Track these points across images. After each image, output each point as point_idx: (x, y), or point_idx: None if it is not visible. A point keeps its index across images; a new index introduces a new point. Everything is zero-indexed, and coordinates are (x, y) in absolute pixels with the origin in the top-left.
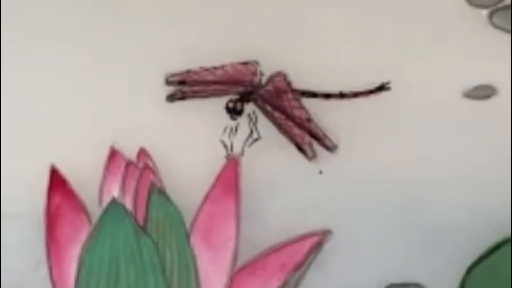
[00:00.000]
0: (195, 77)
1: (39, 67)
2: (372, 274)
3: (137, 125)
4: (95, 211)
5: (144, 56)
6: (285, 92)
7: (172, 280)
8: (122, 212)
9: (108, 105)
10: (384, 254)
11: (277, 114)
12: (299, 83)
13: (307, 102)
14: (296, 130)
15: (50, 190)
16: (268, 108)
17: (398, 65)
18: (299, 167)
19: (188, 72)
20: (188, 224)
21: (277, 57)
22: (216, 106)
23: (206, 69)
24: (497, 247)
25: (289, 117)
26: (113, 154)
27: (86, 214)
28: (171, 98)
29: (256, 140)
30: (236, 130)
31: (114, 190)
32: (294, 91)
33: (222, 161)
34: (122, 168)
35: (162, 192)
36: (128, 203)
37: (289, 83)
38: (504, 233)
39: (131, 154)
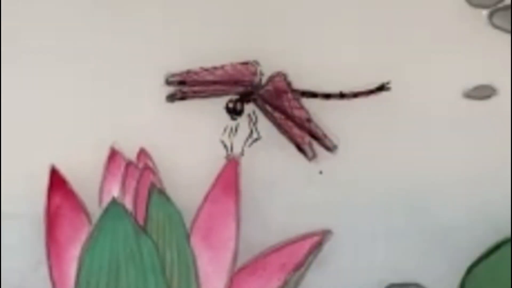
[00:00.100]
0: (195, 77)
1: (39, 67)
2: (372, 274)
3: (137, 125)
4: (95, 211)
5: (144, 56)
6: (285, 92)
7: (172, 280)
8: (122, 212)
9: (108, 105)
10: (384, 254)
11: (277, 114)
12: (299, 83)
13: (307, 102)
14: (296, 130)
15: (50, 190)
16: (268, 108)
17: (398, 65)
18: (299, 167)
19: (188, 72)
20: (188, 224)
21: (277, 57)
22: (216, 106)
23: (206, 69)
24: (497, 247)
25: (289, 117)
26: (113, 154)
27: (86, 214)
28: (171, 98)
29: (256, 140)
30: (236, 130)
31: (114, 190)
32: (294, 91)
33: (222, 161)
34: (122, 168)
35: (162, 192)
36: (128, 203)
37: (289, 83)
38: (504, 233)
39: (131, 154)
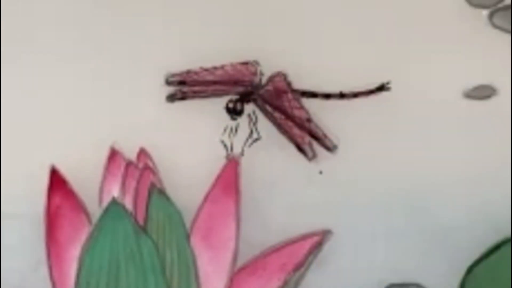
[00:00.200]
0: (195, 77)
1: (39, 67)
2: (372, 274)
3: (137, 125)
4: (95, 211)
5: (144, 56)
6: (285, 92)
7: (172, 280)
8: (122, 212)
9: (108, 105)
10: (384, 254)
11: (277, 114)
12: (299, 83)
13: (307, 102)
14: (296, 130)
15: (50, 190)
16: (268, 108)
17: (398, 65)
18: (299, 167)
19: (188, 72)
20: (188, 224)
21: (277, 57)
22: (216, 106)
23: (206, 69)
24: (497, 247)
25: (289, 117)
26: (113, 154)
27: (86, 214)
28: (171, 98)
29: (256, 140)
30: (236, 130)
31: (114, 190)
32: (294, 91)
33: (222, 161)
34: (122, 168)
35: (162, 192)
36: (128, 203)
37: (289, 83)
38: (504, 233)
39: (131, 154)
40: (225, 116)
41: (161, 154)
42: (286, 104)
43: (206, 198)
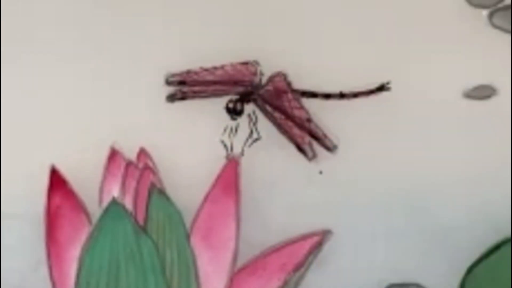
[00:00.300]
0: (195, 77)
1: (39, 67)
2: (372, 274)
3: (137, 125)
4: (95, 211)
5: (144, 56)
6: (285, 92)
7: (172, 280)
8: (122, 212)
9: (108, 105)
10: (384, 254)
11: (277, 114)
12: (299, 83)
13: (307, 102)
14: (296, 130)
15: (50, 190)
16: (268, 108)
17: (398, 65)
18: (299, 167)
19: (188, 72)
20: (188, 224)
21: (277, 57)
22: (216, 106)
23: (206, 69)
24: (497, 247)
25: (289, 117)
26: (113, 154)
27: (86, 214)
28: (171, 98)
29: (256, 140)
30: (236, 130)
31: (114, 190)
32: (294, 91)
33: (222, 161)
34: (122, 168)
35: (162, 192)
36: (128, 203)
37: (289, 83)
38: (504, 233)
39: (131, 154)
40: (225, 116)
41: (161, 154)
42: (286, 104)
43: (206, 198)
